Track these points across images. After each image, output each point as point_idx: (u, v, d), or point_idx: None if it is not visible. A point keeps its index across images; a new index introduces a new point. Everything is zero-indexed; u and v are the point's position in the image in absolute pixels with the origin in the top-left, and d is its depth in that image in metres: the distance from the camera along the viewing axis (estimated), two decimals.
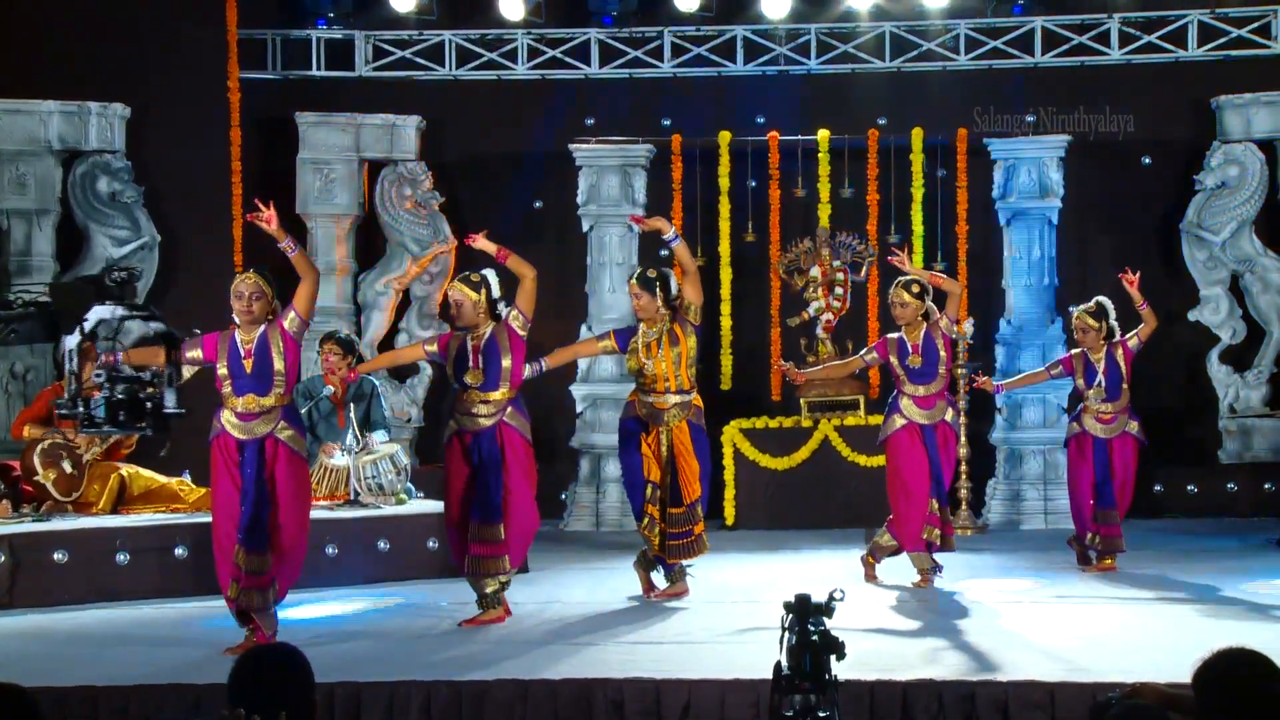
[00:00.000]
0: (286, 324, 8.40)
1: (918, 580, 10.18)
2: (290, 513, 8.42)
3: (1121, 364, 10.74)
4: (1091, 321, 10.76)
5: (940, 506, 10.21)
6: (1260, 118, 14.26)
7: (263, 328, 8.39)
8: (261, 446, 8.34)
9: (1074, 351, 11.00)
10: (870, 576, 10.41)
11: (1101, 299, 10.93)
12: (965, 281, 13.69)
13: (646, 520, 9.71)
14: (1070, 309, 11.64)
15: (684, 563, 9.83)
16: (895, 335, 10.36)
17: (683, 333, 9.66)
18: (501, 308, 9.09)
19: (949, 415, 10.33)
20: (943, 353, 10.24)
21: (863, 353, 10.82)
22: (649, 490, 9.69)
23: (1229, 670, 4.14)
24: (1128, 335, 10.83)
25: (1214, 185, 14.23)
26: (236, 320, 8.42)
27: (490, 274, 9.10)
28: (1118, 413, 10.76)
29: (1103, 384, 10.72)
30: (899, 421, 10.26)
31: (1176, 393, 14.61)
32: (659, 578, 9.93)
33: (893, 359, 10.30)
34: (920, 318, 10.24)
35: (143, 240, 13.68)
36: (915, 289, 10.23)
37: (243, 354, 8.34)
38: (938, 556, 10.23)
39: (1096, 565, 10.80)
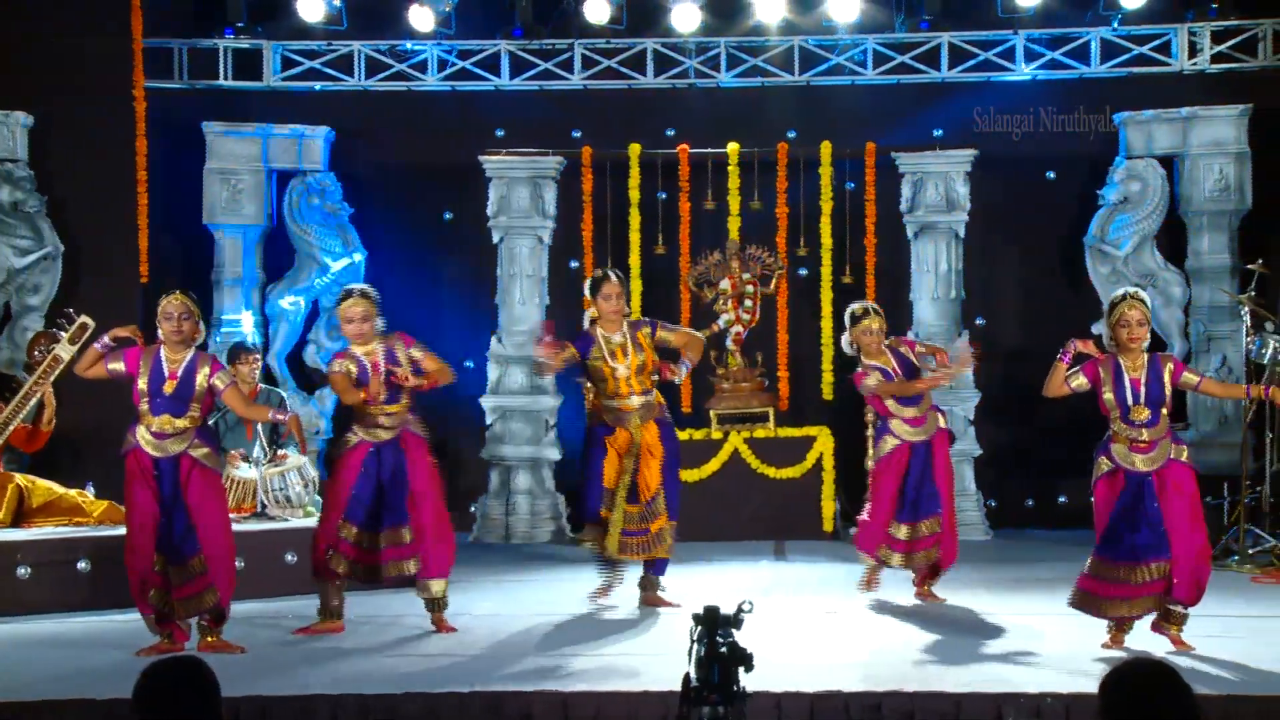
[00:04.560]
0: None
1: (860, 580, 10.26)
2: (212, 525, 8.48)
3: (1166, 382, 8.42)
4: (1145, 314, 8.49)
5: (940, 521, 10.02)
6: (1161, 134, 14.47)
7: (192, 352, 8.50)
8: (176, 463, 8.43)
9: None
10: (872, 582, 10.35)
11: (1142, 293, 8.70)
12: (873, 294, 13.83)
13: (598, 526, 9.81)
14: (1124, 290, 8.71)
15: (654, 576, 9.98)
16: (874, 363, 10.09)
17: (647, 343, 9.82)
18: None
19: (941, 422, 10.26)
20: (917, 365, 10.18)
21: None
22: (605, 496, 9.79)
23: (1135, 681, 4.18)
24: (1164, 356, 8.61)
25: (1116, 200, 14.41)
26: (162, 339, 8.48)
27: (370, 288, 9.27)
28: (1157, 439, 8.51)
29: (1141, 401, 8.44)
30: (891, 443, 10.12)
31: (1082, 405, 14.69)
32: (608, 578, 10.07)
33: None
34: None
35: (46, 250, 13.48)
36: (882, 313, 10.22)
37: (166, 374, 8.40)
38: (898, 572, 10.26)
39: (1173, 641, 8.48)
